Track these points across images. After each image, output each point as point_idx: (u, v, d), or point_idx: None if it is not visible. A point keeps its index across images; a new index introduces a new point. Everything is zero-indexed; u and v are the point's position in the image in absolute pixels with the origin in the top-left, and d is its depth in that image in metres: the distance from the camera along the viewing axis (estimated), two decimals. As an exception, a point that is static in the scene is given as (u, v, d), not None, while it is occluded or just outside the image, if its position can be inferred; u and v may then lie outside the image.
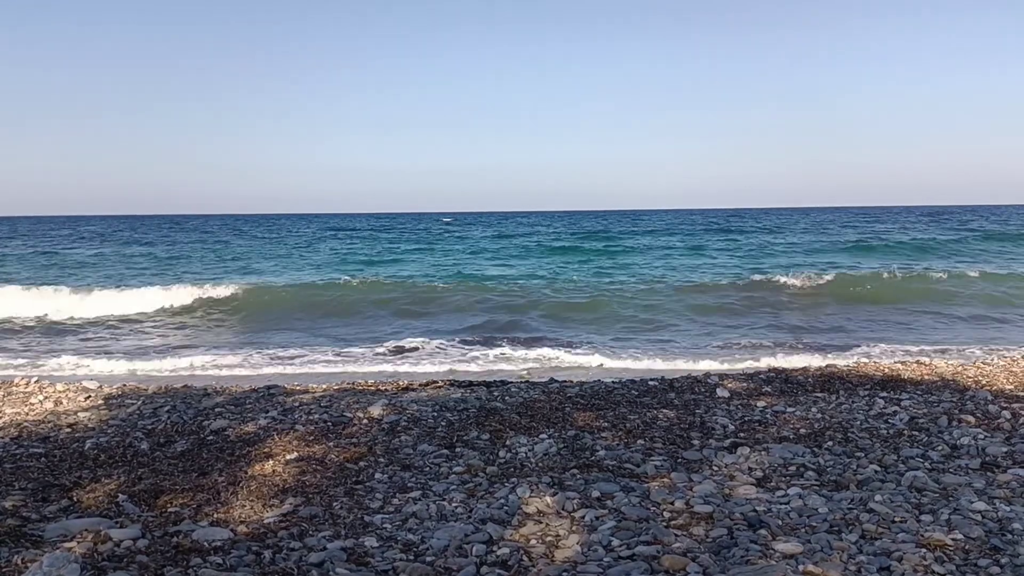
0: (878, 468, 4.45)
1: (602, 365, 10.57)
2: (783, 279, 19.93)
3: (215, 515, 3.83)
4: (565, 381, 7.63)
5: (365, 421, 5.68)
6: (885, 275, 20.47)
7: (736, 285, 19.83)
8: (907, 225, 53.57)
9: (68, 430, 5.65)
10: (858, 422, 5.50)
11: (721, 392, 6.57)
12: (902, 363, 8.25)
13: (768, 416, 5.74)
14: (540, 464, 4.64)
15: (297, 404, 6.33)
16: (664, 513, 3.80)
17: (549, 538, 3.52)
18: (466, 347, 12.32)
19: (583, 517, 3.74)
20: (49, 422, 5.89)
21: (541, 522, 3.72)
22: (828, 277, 20.18)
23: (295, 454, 4.82)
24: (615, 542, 3.43)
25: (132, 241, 47.82)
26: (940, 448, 4.82)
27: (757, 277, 21.12)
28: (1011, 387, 6.63)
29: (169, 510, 3.91)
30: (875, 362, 8.59)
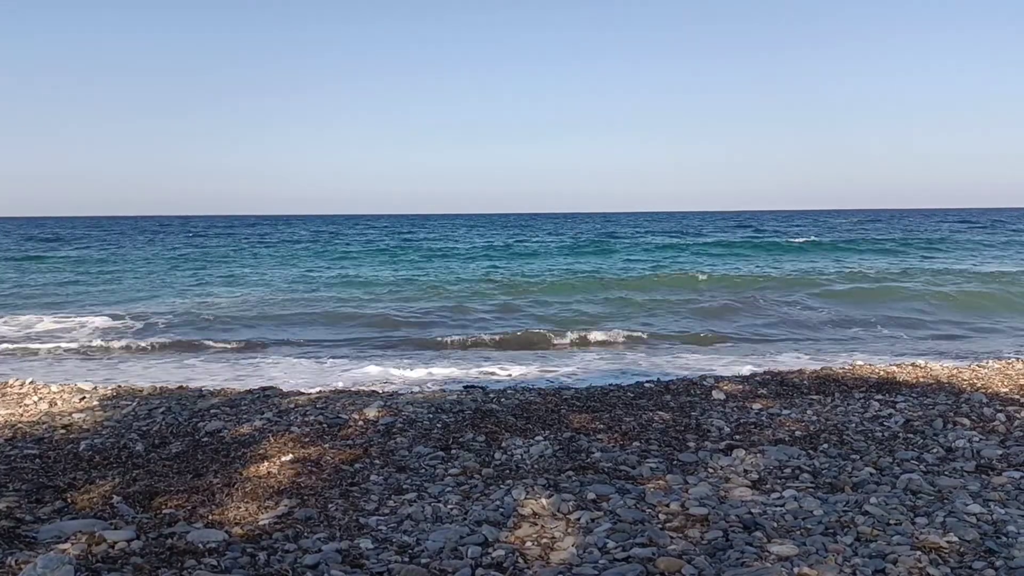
0: (873, 470, 4.46)
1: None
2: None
3: (210, 517, 3.82)
4: (560, 383, 7.63)
5: (361, 423, 5.67)
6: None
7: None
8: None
9: (63, 431, 5.63)
10: (853, 424, 5.51)
11: (717, 394, 6.58)
12: (897, 365, 8.26)
13: (764, 418, 5.75)
14: (536, 466, 4.64)
15: (292, 406, 6.31)
16: (660, 515, 3.80)
17: (544, 540, 3.52)
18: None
19: (579, 519, 3.74)
20: (44, 423, 5.87)
21: (536, 524, 3.71)
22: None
23: (290, 456, 4.81)
24: (611, 544, 3.43)
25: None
26: (935, 451, 4.83)
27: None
28: (1006, 390, 6.64)
29: (164, 512, 3.90)
30: (870, 364, 8.60)
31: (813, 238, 41.73)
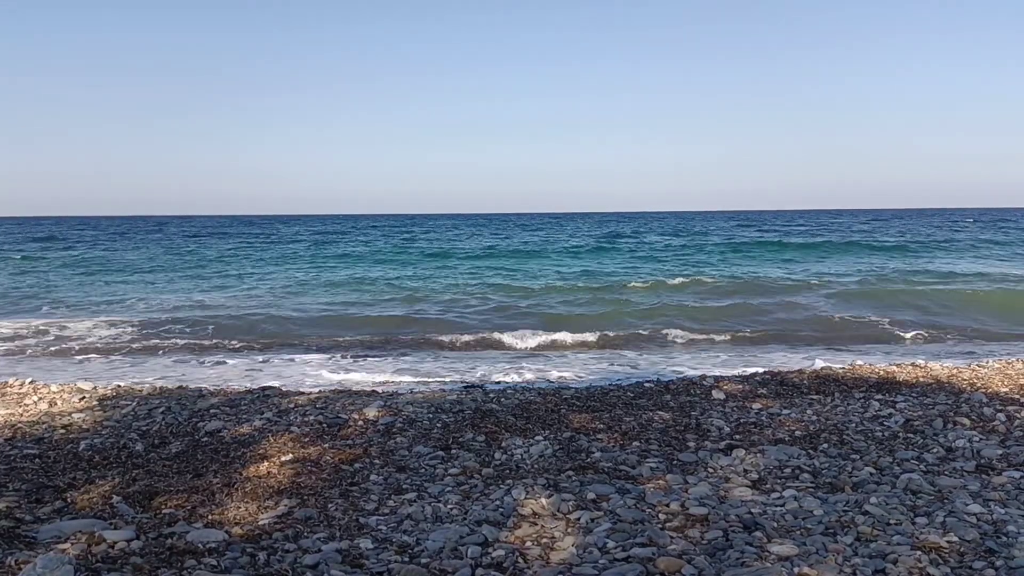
0: (873, 470, 4.46)
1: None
2: None
3: (210, 517, 3.82)
4: (560, 383, 7.63)
5: (361, 423, 5.67)
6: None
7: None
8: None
9: (62, 431, 5.63)
10: (853, 424, 5.51)
11: (717, 394, 6.57)
12: (897, 365, 8.26)
13: (763, 418, 5.75)
14: (536, 466, 4.64)
15: (292, 406, 6.31)
16: (660, 515, 3.80)
17: (544, 540, 3.52)
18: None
19: (578, 519, 3.74)
20: (43, 423, 5.86)
21: (536, 524, 3.71)
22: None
23: (290, 455, 4.81)
24: (610, 544, 3.43)
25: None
26: (935, 450, 4.83)
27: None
28: (1006, 389, 6.64)
29: (164, 511, 3.90)
30: (870, 364, 8.59)
31: (817, 238, 41.84)
